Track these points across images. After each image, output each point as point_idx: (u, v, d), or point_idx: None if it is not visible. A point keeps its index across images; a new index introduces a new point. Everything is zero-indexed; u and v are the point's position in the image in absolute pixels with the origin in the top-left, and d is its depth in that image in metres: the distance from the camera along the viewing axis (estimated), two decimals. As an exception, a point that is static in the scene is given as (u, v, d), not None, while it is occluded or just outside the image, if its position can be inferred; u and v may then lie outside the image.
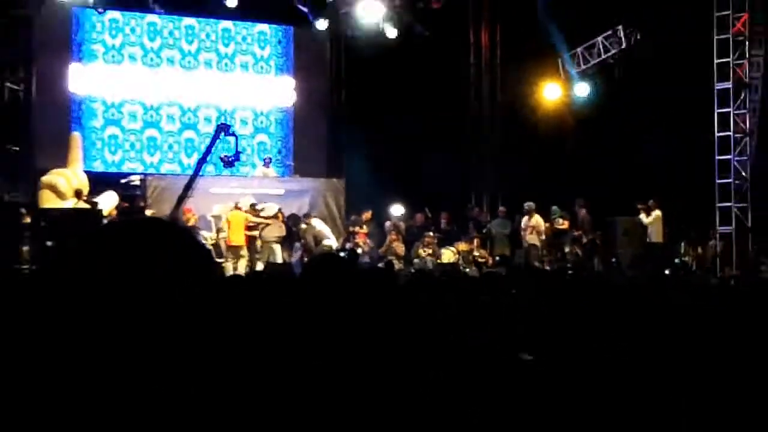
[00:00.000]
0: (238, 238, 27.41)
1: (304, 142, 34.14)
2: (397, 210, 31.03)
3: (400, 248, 29.97)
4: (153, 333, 3.93)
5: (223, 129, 22.34)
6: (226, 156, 22.51)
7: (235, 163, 23.39)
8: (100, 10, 30.38)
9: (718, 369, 5.88)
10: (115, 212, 27.05)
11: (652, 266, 26.76)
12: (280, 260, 27.37)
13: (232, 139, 22.46)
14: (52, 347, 4.20)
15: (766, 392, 5.53)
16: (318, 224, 29.06)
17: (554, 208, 31.31)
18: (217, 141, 21.51)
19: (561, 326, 6.87)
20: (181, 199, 22.33)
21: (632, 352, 6.21)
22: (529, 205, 30.24)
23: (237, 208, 27.70)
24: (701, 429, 5.25)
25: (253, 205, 27.86)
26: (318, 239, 28.30)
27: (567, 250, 31.07)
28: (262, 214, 28.08)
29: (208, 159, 21.19)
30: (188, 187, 21.86)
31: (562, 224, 31.18)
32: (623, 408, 5.25)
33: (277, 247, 27.90)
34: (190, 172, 30.78)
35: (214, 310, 4.35)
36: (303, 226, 28.76)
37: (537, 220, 30.39)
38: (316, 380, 4.36)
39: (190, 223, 27.34)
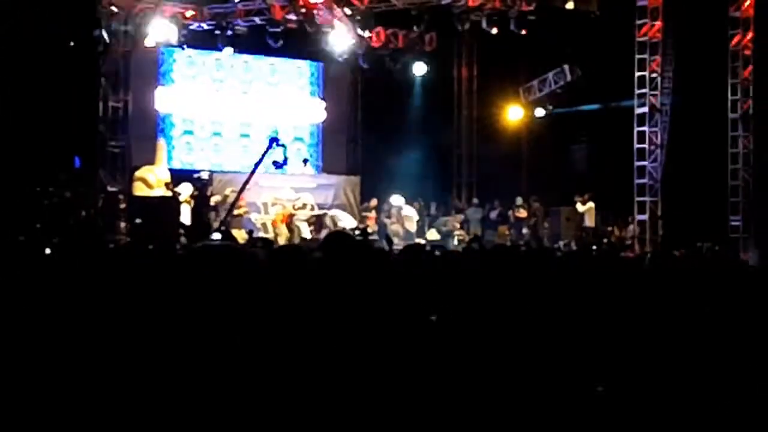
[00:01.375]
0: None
1: (330, 148, 34.31)
2: (396, 200, 31.08)
3: (398, 228, 30.16)
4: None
5: (274, 141, 22.42)
6: (276, 161, 22.60)
7: (284, 167, 23.49)
8: (183, 47, 30.47)
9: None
10: (190, 199, 27.21)
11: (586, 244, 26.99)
12: (308, 236, 27.84)
13: (281, 148, 22.51)
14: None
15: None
16: (336, 212, 29.44)
17: (518, 199, 31.54)
18: (270, 149, 21.60)
19: (509, 289, 6.89)
20: (241, 191, 22.48)
21: (559, 305, 6.25)
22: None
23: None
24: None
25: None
26: (335, 221, 28.64)
27: (524, 231, 31.25)
28: (297, 204, 28.54)
29: (261, 162, 21.31)
30: (246, 182, 21.96)
31: (522, 213, 31.42)
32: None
33: (304, 226, 28.36)
34: (247, 171, 31.07)
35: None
36: (327, 213, 29.23)
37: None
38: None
39: (242, 209, 27.59)
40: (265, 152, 21.96)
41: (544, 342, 5.30)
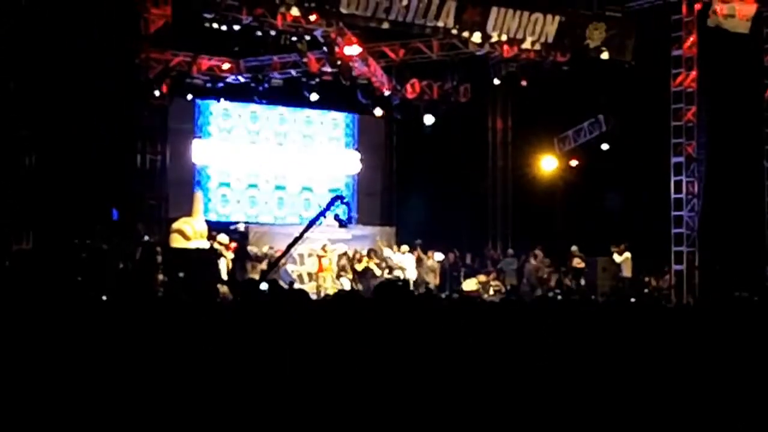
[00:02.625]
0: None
1: (365, 199, 34.42)
2: (437, 255, 31.02)
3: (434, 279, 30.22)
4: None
5: (339, 198, 22.37)
6: (340, 218, 22.55)
7: (347, 225, 23.47)
8: (219, 100, 30.78)
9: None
10: (227, 251, 27.34)
11: (624, 295, 26.89)
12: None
13: (344, 207, 22.53)
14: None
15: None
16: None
17: (573, 247, 30.90)
18: (332, 206, 21.45)
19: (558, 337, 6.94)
20: (291, 245, 22.26)
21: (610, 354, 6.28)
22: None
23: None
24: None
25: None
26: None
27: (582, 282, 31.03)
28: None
29: (319, 218, 21.09)
30: (301, 236, 21.90)
31: (579, 263, 30.91)
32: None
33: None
34: (281, 221, 31.24)
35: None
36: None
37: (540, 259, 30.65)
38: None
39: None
40: (327, 208, 21.91)
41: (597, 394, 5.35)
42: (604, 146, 32.79)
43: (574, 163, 34.06)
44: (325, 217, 21.20)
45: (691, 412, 5.32)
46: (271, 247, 28.25)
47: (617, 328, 7.75)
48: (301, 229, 27.42)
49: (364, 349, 4.70)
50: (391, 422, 4.15)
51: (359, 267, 29.21)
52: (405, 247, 30.32)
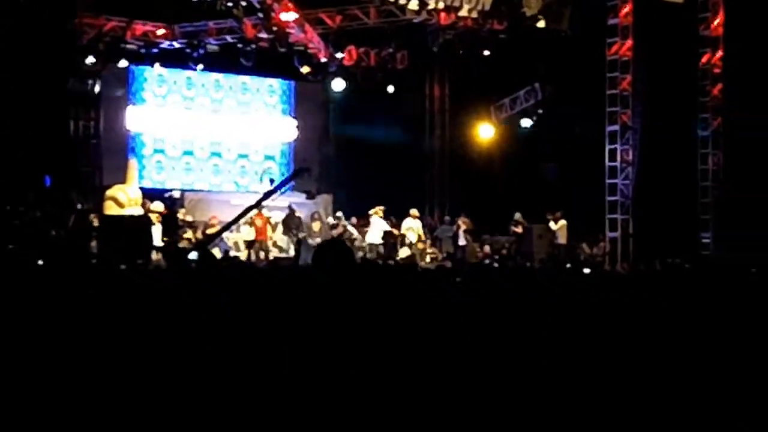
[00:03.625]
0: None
1: (301, 165, 34.23)
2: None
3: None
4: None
5: (305, 171, 22.02)
6: (308, 192, 22.26)
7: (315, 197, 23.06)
8: (153, 66, 30.49)
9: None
10: (159, 217, 27.10)
11: (559, 262, 27.00)
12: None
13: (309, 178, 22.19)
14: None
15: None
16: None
17: (516, 214, 30.86)
18: (295, 178, 21.02)
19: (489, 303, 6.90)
20: (245, 213, 21.93)
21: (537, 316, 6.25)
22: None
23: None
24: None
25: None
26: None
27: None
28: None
29: (280, 189, 20.56)
30: (256, 205, 21.57)
31: (519, 229, 30.93)
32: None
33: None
34: (217, 189, 31.07)
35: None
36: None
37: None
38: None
39: (215, 228, 27.54)
40: (288, 179, 21.57)
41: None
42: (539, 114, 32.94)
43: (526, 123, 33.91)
44: (286, 188, 20.93)
45: (619, 379, 5.29)
46: (213, 217, 28.05)
47: (552, 294, 7.74)
48: (248, 197, 27.49)
49: (296, 315, 4.62)
50: (319, 391, 4.07)
51: (335, 232, 29.07)
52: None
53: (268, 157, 33.80)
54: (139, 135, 31.84)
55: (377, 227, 29.74)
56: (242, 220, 28.66)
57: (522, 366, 5.24)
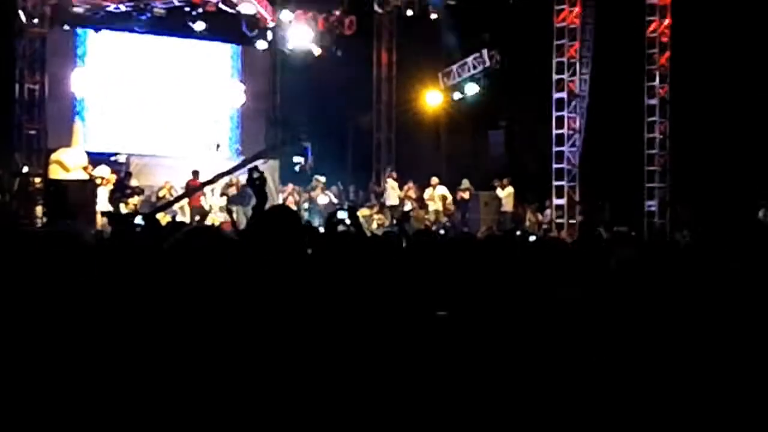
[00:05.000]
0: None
1: (249, 132, 34.12)
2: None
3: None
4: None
5: (305, 152, 21.53)
6: (301, 166, 21.96)
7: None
8: (99, 29, 30.14)
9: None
10: (106, 182, 26.89)
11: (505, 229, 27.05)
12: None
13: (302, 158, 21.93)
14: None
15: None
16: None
17: (464, 181, 30.97)
18: (287, 151, 20.61)
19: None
20: (216, 178, 21.56)
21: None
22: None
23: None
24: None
25: None
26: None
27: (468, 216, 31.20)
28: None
29: (258, 157, 19.97)
30: (226, 174, 21.30)
31: (466, 195, 31.02)
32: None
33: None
34: (163, 153, 30.88)
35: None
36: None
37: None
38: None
39: (167, 192, 27.46)
40: (261, 154, 21.03)
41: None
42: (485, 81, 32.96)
43: (457, 97, 33.99)
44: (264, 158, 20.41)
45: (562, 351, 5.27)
46: (170, 184, 27.96)
47: (494, 261, 7.69)
48: (193, 162, 27.32)
49: (238, 280, 4.51)
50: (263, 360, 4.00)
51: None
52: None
53: (216, 122, 33.61)
54: (84, 98, 31.52)
55: None
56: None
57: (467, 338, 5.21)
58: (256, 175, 7.06)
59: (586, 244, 10.24)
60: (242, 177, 27.58)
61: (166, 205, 24.79)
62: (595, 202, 28.92)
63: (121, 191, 27.16)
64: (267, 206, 5.65)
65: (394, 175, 31.63)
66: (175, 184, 28.55)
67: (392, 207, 30.52)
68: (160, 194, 28.24)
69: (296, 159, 27.55)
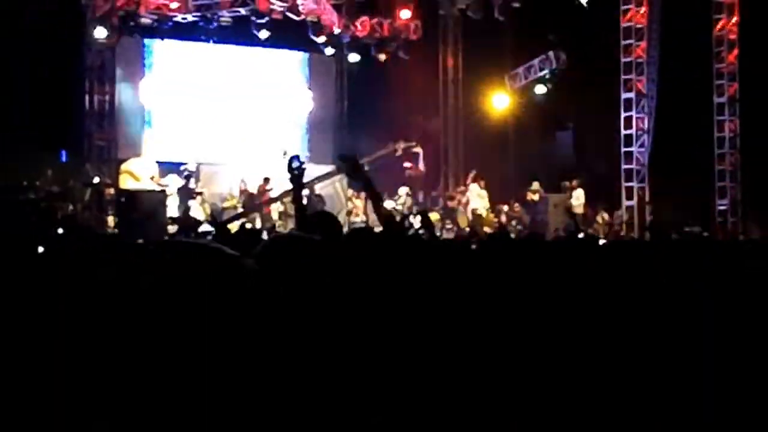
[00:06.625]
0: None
1: (317, 138, 34.31)
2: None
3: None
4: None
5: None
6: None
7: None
8: (164, 39, 30.48)
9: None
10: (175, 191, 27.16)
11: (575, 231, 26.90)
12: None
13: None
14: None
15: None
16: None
17: (534, 183, 30.73)
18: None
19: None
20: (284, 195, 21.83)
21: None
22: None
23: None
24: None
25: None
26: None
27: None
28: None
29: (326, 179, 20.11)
30: (288, 194, 21.59)
31: (536, 197, 30.86)
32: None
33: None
34: (231, 162, 31.08)
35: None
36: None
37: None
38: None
39: (232, 202, 27.70)
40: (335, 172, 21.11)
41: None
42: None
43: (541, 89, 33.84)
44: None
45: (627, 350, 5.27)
46: (236, 199, 28.25)
47: (564, 264, 7.69)
48: (263, 170, 27.49)
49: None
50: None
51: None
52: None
53: (284, 130, 33.79)
54: (153, 108, 31.85)
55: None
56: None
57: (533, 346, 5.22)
58: (295, 164, 6.98)
59: (657, 244, 10.21)
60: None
61: (238, 216, 25.00)
62: (665, 203, 28.70)
63: (186, 195, 27.41)
64: (335, 211, 5.72)
65: (478, 179, 31.34)
66: (244, 190, 28.80)
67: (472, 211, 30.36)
68: (225, 205, 28.47)
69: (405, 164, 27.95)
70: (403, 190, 30.62)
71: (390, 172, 30.13)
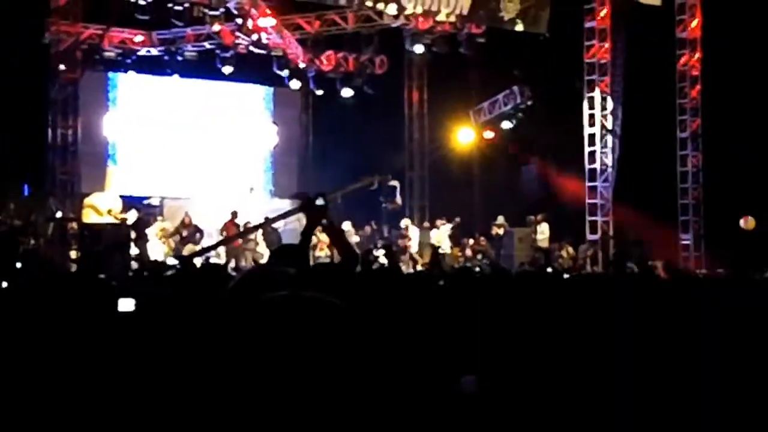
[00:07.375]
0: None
1: (282, 172, 34.29)
2: (346, 225, 30.88)
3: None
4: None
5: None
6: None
7: None
8: (127, 72, 30.48)
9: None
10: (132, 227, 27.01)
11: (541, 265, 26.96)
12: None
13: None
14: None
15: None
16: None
17: (499, 218, 30.68)
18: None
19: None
20: (262, 225, 21.78)
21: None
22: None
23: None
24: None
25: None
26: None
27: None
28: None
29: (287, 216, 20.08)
30: (265, 224, 21.52)
31: (501, 231, 30.91)
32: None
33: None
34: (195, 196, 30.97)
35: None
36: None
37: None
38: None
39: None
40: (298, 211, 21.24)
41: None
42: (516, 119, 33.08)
43: (489, 134, 34.11)
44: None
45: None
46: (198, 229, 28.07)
47: (527, 298, 7.74)
48: (228, 205, 27.45)
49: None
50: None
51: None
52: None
53: (247, 164, 33.76)
54: (117, 142, 31.77)
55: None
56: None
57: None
58: (320, 202, 6.69)
59: (620, 279, 10.28)
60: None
61: (206, 250, 24.87)
62: (629, 237, 28.81)
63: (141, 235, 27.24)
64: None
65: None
66: (210, 225, 28.61)
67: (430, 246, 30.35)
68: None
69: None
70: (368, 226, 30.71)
71: (366, 205, 30.18)
